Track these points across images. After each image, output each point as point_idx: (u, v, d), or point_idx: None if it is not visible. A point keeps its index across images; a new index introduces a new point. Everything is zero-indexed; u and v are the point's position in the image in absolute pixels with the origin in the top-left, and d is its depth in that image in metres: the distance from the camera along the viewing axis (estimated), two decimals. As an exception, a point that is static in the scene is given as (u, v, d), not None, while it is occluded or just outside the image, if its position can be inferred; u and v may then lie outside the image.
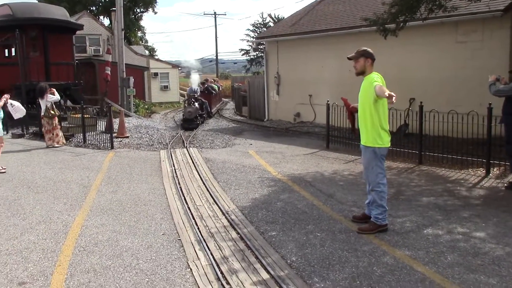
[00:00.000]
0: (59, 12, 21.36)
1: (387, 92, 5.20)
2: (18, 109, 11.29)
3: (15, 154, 12.19)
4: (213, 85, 25.38)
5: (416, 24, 11.78)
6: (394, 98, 5.15)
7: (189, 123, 17.18)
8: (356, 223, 6.04)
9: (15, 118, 11.72)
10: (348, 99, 6.68)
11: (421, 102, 10.04)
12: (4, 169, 9.86)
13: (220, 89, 32.61)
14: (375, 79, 5.55)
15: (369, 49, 5.79)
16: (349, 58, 5.89)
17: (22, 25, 18.95)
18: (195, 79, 22.57)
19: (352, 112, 6.49)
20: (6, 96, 10.75)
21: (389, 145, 5.80)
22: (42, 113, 13.37)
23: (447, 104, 11.04)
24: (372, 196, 5.79)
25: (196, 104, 18.34)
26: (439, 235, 5.64)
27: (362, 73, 5.80)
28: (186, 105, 18.64)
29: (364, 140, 5.80)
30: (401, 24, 10.48)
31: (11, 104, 11.07)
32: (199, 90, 21.08)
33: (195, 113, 17.57)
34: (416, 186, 8.17)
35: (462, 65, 12.56)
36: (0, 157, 10.13)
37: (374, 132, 5.66)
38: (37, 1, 40.84)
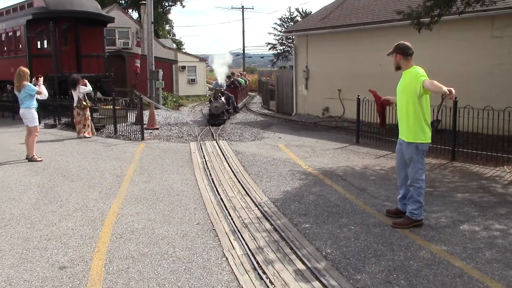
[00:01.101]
0: (91, 5, 21.64)
1: (445, 88, 5.06)
2: (42, 92, 10.81)
3: (48, 143, 12.43)
4: (239, 79, 25.01)
5: (450, 18, 11.59)
6: (453, 91, 5.02)
7: (215, 119, 16.54)
8: (390, 218, 5.99)
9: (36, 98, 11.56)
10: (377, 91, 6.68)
11: (455, 98, 9.87)
12: (40, 158, 10.06)
13: (247, 83, 32.01)
14: (421, 73, 5.45)
15: (402, 43, 5.73)
16: (388, 54, 5.85)
17: (55, 17, 19.26)
18: (221, 73, 22.02)
19: (383, 105, 6.46)
20: (41, 78, 10.88)
21: (431, 140, 5.73)
22: (74, 104, 13.60)
23: (481, 100, 10.84)
24: (410, 191, 5.71)
25: (223, 98, 17.65)
26: (476, 231, 5.56)
27: (398, 68, 5.75)
28: (212, 99, 17.74)
29: (406, 136, 5.70)
30: (436, 18, 10.33)
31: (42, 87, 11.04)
32: (225, 84, 20.66)
33: (222, 108, 16.91)
34: (450, 182, 8.06)
35: (498, 60, 12.30)
36: (35, 147, 10.34)
37: (418, 127, 5.57)
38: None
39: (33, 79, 11.14)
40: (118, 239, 5.37)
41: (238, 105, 21.98)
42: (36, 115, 10.31)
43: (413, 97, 5.51)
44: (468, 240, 5.28)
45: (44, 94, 10.66)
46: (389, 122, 11.07)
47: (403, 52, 5.65)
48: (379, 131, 11.75)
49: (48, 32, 19.04)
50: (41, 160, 9.95)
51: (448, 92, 5.03)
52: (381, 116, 6.61)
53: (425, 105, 5.57)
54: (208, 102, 19.81)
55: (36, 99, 10.53)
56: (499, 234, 5.45)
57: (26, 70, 10.31)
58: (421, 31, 10.61)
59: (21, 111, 10.20)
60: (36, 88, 10.27)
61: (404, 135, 5.72)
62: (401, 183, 5.97)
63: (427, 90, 5.38)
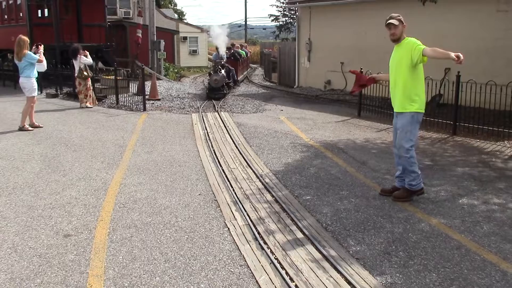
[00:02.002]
0: (93, -27, 21.35)
1: (451, 54, 4.99)
2: (42, 62, 10.68)
3: (50, 113, 12.45)
4: (240, 50, 23.75)
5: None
6: (461, 57, 4.95)
7: (215, 92, 15.68)
8: (385, 196, 5.93)
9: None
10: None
11: (458, 72, 9.83)
12: (32, 128, 10.08)
13: (248, 55, 30.64)
14: (418, 42, 5.43)
15: (394, 15, 5.65)
16: (392, 24, 5.56)
17: (56, -15, 19.04)
18: (221, 44, 20.68)
19: (368, 83, 6.58)
20: (41, 46, 10.76)
21: (424, 111, 5.71)
22: (76, 74, 13.56)
23: (483, 75, 10.79)
24: (402, 164, 5.71)
25: (223, 71, 16.65)
26: (475, 205, 5.62)
27: (397, 39, 5.64)
28: (212, 72, 16.74)
29: (401, 107, 5.64)
30: (441, -10, 10.21)
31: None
32: (225, 56, 19.58)
33: (222, 82, 15.96)
34: (450, 157, 8.10)
35: (502, 35, 12.20)
36: (34, 115, 10.35)
37: (413, 97, 5.55)
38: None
39: (33, 47, 11.04)
40: (121, 208, 5.44)
41: (239, 78, 21.35)
42: (35, 85, 10.28)
43: (407, 67, 5.49)
44: (467, 213, 5.34)
45: (43, 64, 10.59)
46: (387, 95, 11.11)
47: (404, 24, 5.61)
48: (385, 105, 11.72)
49: (49, 0, 18.83)
50: (32, 130, 9.97)
51: (456, 58, 4.97)
52: (357, 87, 6.72)
53: (420, 75, 5.60)
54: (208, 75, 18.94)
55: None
56: (497, 208, 5.52)
57: (26, 38, 10.18)
58: (425, 4, 10.49)
59: (21, 80, 10.14)
60: (37, 56, 10.19)
61: (399, 106, 5.67)
62: (398, 159, 5.90)
63: (424, 58, 5.35)
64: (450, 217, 5.24)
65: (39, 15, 21.13)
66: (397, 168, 5.94)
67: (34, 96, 10.25)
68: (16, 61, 10.23)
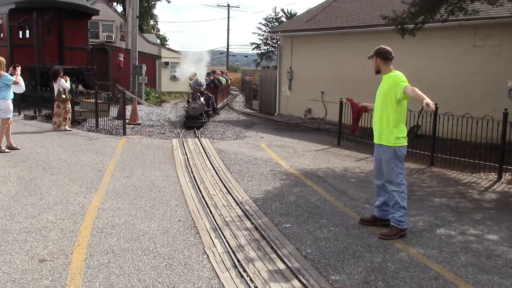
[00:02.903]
0: (76, -3, 21.42)
1: (426, 100, 5.02)
2: (19, 84, 10.51)
3: (28, 135, 12.29)
4: (220, 77, 23.28)
5: (434, 26, 11.81)
6: (432, 106, 4.98)
7: (193, 121, 14.82)
8: (364, 226, 5.93)
9: (13, 91, 10.70)
10: (354, 98, 6.77)
11: (436, 104, 10.02)
12: (8, 150, 9.93)
13: (229, 82, 30.27)
14: (402, 78, 5.48)
15: (383, 47, 5.71)
16: (368, 58, 5.83)
17: (39, 7, 19.00)
18: (200, 71, 19.58)
19: (360, 112, 6.50)
20: (18, 68, 10.62)
21: (407, 144, 5.74)
22: (55, 97, 13.46)
23: (460, 108, 11.02)
24: (393, 197, 5.62)
25: (202, 99, 15.94)
26: (452, 236, 5.69)
27: (379, 71, 5.74)
28: (190, 99, 15.97)
29: (383, 140, 5.67)
30: (420, 24, 10.49)
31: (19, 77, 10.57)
32: (205, 83, 18.57)
33: (201, 110, 15.26)
34: (428, 187, 8.21)
35: (478, 69, 12.55)
36: (10, 136, 10.21)
37: (395, 131, 5.57)
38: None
39: (10, 69, 10.89)
40: (99, 233, 5.36)
41: (219, 106, 20.81)
42: (11, 106, 10.09)
43: (392, 101, 5.53)
44: (445, 244, 5.39)
45: (21, 86, 10.47)
46: (368, 125, 11.24)
47: (384, 57, 5.65)
48: (364, 134, 11.85)
49: (31, 22, 18.78)
50: (9, 152, 9.82)
51: (427, 105, 5.01)
52: (355, 123, 6.69)
53: (403, 110, 5.65)
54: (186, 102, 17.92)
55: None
56: (474, 239, 5.59)
57: (2, 59, 9.98)
58: (404, 37, 10.76)
59: None
60: (13, 78, 10.04)
61: (382, 139, 5.69)
62: (379, 190, 5.92)
63: (407, 96, 5.40)
64: (428, 247, 5.28)
65: (21, 36, 21.02)
66: (377, 198, 5.96)
67: (9, 118, 10.08)
68: None
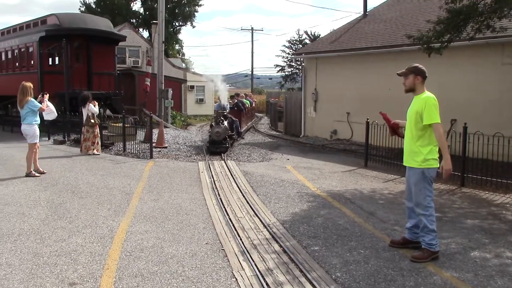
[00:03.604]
0: (104, 23, 21.98)
1: (446, 160, 5.24)
2: (51, 110, 10.92)
3: (57, 159, 12.51)
4: (244, 100, 22.95)
5: (460, 44, 11.68)
6: (448, 173, 5.32)
7: (216, 146, 14.31)
8: (395, 248, 5.79)
9: (45, 118, 11.31)
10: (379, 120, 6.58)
11: (465, 123, 9.88)
12: (38, 174, 10.12)
13: (253, 104, 29.79)
14: (435, 107, 5.34)
15: (420, 66, 5.59)
16: (398, 74, 5.71)
17: (68, 34, 19.53)
18: (223, 94, 19.61)
19: (394, 129, 6.24)
20: (47, 96, 10.79)
21: (438, 166, 5.51)
22: (84, 121, 13.71)
23: (490, 127, 10.82)
24: (421, 221, 5.50)
25: (225, 122, 15.40)
26: (487, 259, 5.51)
27: (411, 90, 5.60)
28: (213, 123, 15.56)
29: (411, 161, 5.57)
30: (446, 43, 10.39)
31: (47, 104, 10.81)
32: (228, 106, 18.28)
33: (224, 134, 14.69)
34: (459, 208, 8.02)
35: (508, 87, 12.33)
36: (38, 161, 10.39)
37: (424, 152, 5.43)
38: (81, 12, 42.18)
39: (39, 96, 11.04)
40: (128, 256, 5.37)
41: (243, 130, 20.15)
42: (38, 131, 10.22)
43: (419, 121, 5.42)
44: (480, 267, 5.23)
45: (53, 113, 10.67)
46: (396, 146, 11.09)
47: (422, 75, 5.52)
48: (391, 155, 11.73)
49: (60, 49, 19.28)
50: (39, 176, 9.99)
51: (440, 168, 5.31)
52: (393, 134, 6.42)
53: (431, 131, 5.46)
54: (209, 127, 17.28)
55: (41, 117, 10.50)
56: (510, 262, 5.40)
57: (30, 84, 10.17)
58: (431, 56, 10.67)
59: (23, 127, 10.11)
60: (40, 105, 10.21)
61: (410, 160, 5.59)
62: (410, 212, 5.76)
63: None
64: (462, 270, 5.13)
65: (50, 63, 21.58)
66: (409, 220, 5.82)
67: (36, 143, 10.23)
68: (18, 108, 10.21)
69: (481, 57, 12.98)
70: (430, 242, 5.42)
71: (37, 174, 10.05)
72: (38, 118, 10.25)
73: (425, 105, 5.35)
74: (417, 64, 5.63)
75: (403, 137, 6.09)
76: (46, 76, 20.08)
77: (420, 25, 13.59)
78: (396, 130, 6.21)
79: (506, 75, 12.44)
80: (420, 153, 5.45)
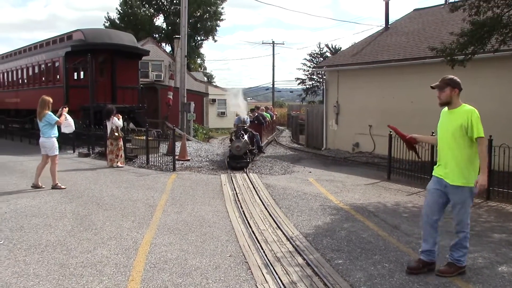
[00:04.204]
0: (128, 38, 22.36)
1: (483, 175, 5.04)
2: (69, 124, 10.87)
3: (82, 172, 12.70)
4: (264, 113, 22.40)
5: (484, 56, 11.58)
6: (478, 188, 5.08)
7: (237, 161, 13.90)
8: (412, 275, 5.35)
9: (62, 131, 11.21)
10: (401, 131, 6.19)
11: (490, 136, 9.73)
12: (64, 186, 10.26)
13: (274, 118, 29.11)
14: (479, 120, 5.10)
15: (456, 78, 5.33)
16: (432, 87, 5.41)
17: (93, 49, 19.92)
18: (242, 107, 19.24)
19: (411, 144, 5.91)
20: (66, 109, 10.80)
21: None
22: (108, 135, 13.92)
23: (517, 139, 10.66)
24: (457, 238, 5.31)
25: (245, 137, 14.91)
26: (515, 273, 5.41)
27: (447, 103, 5.30)
28: (233, 138, 15.12)
29: (461, 180, 5.17)
30: (470, 55, 10.31)
31: (65, 117, 10.78)
32: (248, 120, 17.64)
33: (245, 149, 14.24)
34: (486, 222, 7.90)
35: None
36: (57, 175, 10.37)
37: (471, 169, 5.16)
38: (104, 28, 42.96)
39: (60, 109, 11.12)
40: (152, 268, 5.41)
41: (263, 144, 19.49)
42: (56, 144, 10.29)
43: (464, 135, 5.12)
44: (508, 282, 5.13)
45: (70, 126, 10.76)
46: (423, 158, 10.99)
47: (460, 87, 5.26)
48: (415, 168, 11.61)
49: (85, 63, 19.67)
50: (65, 188, 10.12)
51: (474, 183, 5.07)
52: (415, 152, 6.13)
53: (475, 145, 5.20)
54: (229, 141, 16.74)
55: (59, 130, 10.58)
56: (539, 277, 5.29)
57: (48, 98, 10.29)
58: (454, 68, 10.59)
59: (41, 140, 10.23)
60: (56, 118, 10.26)
61: (458, 179, 5.17)
62: (430, 229, 5.38)
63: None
64: (490, 285, 5.04)
65: (75, 77, 22.02)
66: (426, 240, 5.42)
67: (56, 155, 10.31)
68: (38, 121, 10.34)
69: (506, 69, 12.84)
70: (460, 258, 5.29)
71: (63, 187, 10.19)
72: (56, 131, 10.35)
73: (471, 118, 5.08)
74: (452, 76, 5.38)
75: (417, 154, 6.13)
76: (71, 90, 20.49)
77: (443, 38, 13.52)
78: (413, 146, 5.93)
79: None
80: (471, 170, 5.17)
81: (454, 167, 5.20)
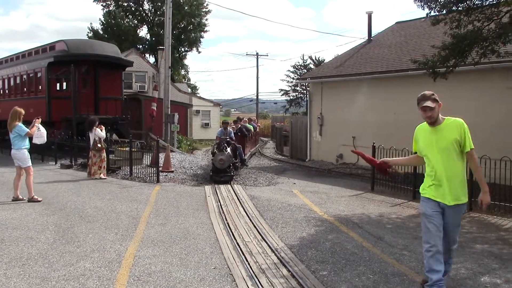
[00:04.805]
0: (111, 49, 22.27)
1: (484, 193, 4.82)
2: (41, 135, 10.64)
3: (64, 183, 12.56)
4: (247, 125, 21.81)
5: (465, 69, 11.75)
6: (486, 206, 4.86)
7: (220, 175, 13.29)
8: (403, 273, 5.64)
9: (33, 142, 10.84)
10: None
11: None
12: (41, 198, 10.04)
13: (257, 129, 28.65)
14: (467, 132, 4.76)
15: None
16: (431, 108, 4.78)
17: (76, 60, 19.79)
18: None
19: (382, 169, 5.49)
20: (38, 120, 10.60)
21: None
22: (91, 146, 13.81)
23: (497, 151, 10.79)
24: (450, 252, 5.08)
25: (229, 149, 14.15)
26: (498, 284, 5.47)
27: (435, 122, 4.85)
28: (216, 150, 14.13)
29: (462, 198, 4.85)
30: (451, 68, 10.48)
31: (38, 127, 10.57)
32: (232, 132, 16.51)
33: (229, 162, 13.55)
34: (468, 233, 7.98)
35: (513, 111, 12.37)
36: (32, 187, 10.12)
37: (464, 184, 4.87)
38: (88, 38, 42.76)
39: (34, 119, 10.69)
40: (136, 281, 5.36)
41: (246, 157, 18.68)
42: (28, 155, 10.09)
43: (457, 151, 4.76)
44: (490, 292, 5.19)
45: (42, 137, 10.53)
46: (404, 170, 11.08)
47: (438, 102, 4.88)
48: (399, 179, 11.69)
49: (68, 74, 19.52)
50: (41, 200, 9.94)
51: (480, 199, 4.86)
52: (386, 175, 5.76)
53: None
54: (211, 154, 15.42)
55: (30, 141, 10.33)
56: (521, 287, 5.35)
57: (20, 110, 10.11)
58: (436, 81, 10.74)
59: (12, 151, 10.03)
60: (26, 129, 10.06)
61: (456, 197, 4.80)
62: (441, 257, 4.80)
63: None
64: (473, 296, 5.08)
65: (58, 88, 21.83)
66: (437, 270, 4.75)
67: (30, 166, 10.09)
68: (9, 132, 10.13)
69: (486, 81, 13.05)
70: (448, 270, 5.21)
71: (39, 199, 9.98)
72: (27, 143, 10.13)
73: (463, 130, 4.73)
74: (431, 91, 4.92)
75: (393, 176, 5.53)
76: (53, 101, 20.31)
77: (425, 50, 13.71)
78: (386, 170, 5.47)
79: (511, 99, 12.48)
80: (464, 185, 4.88)
81: (456, 184, 4.80)
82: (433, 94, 4.84)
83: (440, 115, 4.84)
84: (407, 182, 11.20)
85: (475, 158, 4.88)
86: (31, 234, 7.32)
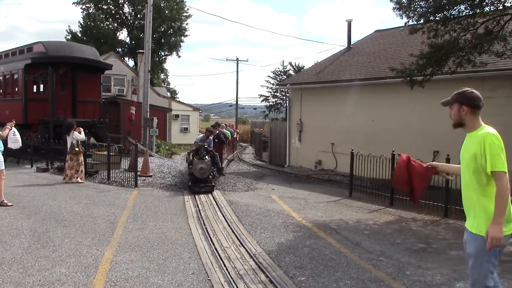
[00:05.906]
0: (90, 52, 22.06)
1: (497, 225, 3.50)
2: (16, 140, 10.59)
3: (40, 187, 12.36)
4: (225, 131, 20.70)
5: (442, 78, 11.95)
6: (491, 243, 3.51)
7: (201, 185, 12.28)
8: (380, 279, 5.72)
9: (8, 146, 10.68)
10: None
11: (448, 155, 10.04)
12: (11, 203, 9.79)
13: (235, 135, 27.17)
14: (497, 147, 3.64)
15: (469, 92, 3.97)
16: (443, 104, 4.14)
17: (54, 62, 19.53)
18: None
19: (428, 177, 4.55)
20: (11, 123, 10.46)
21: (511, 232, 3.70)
22: (68, 150, 13.62)
23: (472, 158, 11.01)
24: None
25: (207, 157, 12.93)
26: (472, 289, 5.54)
27: (459, 125, 3.99)
28: (195, 158, 12.82)
29: (475, 225, 3.73)
30: (428, 76, 10.65)
31: (14, 132, 10.51)
32: (212, 142, 15.02)
33: (209, 171, 12.52)
34: (444, 239, 8.09)
35: (489, 120, 12.54)
36: (3, 191, 9.87)
37: (490, 211, 3.63)
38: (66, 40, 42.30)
39: (8, 123, 10.58)
40: (112, 286, 5.30)
41: (223, 165, 17.37)
42: (1, 158, 9.86)
43: (480, 169, 3.70)
44: (465, 298, 5.26)
45: (17, 141, 10.35)
46: (382, 177, 11.18)
47: (473, 104, 3.89)
48: (376, 185, 11.80)
49: (46, 76, 19.26)
50: (11, 205, 9.69)
51: (488, 234, 3.53)
52: (420, 192, 4.64)
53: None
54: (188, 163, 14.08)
55: (4, 144, 10.13)
56: (495, 293, 5.44)
57: None
58: (413, 89, 10.91)
59: None
60: None
61: (472, 223, 3.77)
62: None
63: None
64: (448, 301, 5.15)
65: (35, 90, 21.51)
66: None
67: (2, 170, 9.85)
68: None
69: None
70: None
71: (9, 204, 9.75)
72: (1, 145, 9.93)
73: (484, 144, 3.68)
74: (465, 89, 4.00)
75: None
76: (30, 103, 20.00)
77: (403, 58, 13.91)
78: (429, 180, 4.55)
79: (486, 108, 12.67)
80: (485, 211, 3.68)
81: (473, 206, 3.79)
82: (459, 93, 3.98)
83: (476, 123, 3.89)
84: (384, 189, 11.31)
85: (502, 184, 3.56)
86: (5, 239, 7.18)
